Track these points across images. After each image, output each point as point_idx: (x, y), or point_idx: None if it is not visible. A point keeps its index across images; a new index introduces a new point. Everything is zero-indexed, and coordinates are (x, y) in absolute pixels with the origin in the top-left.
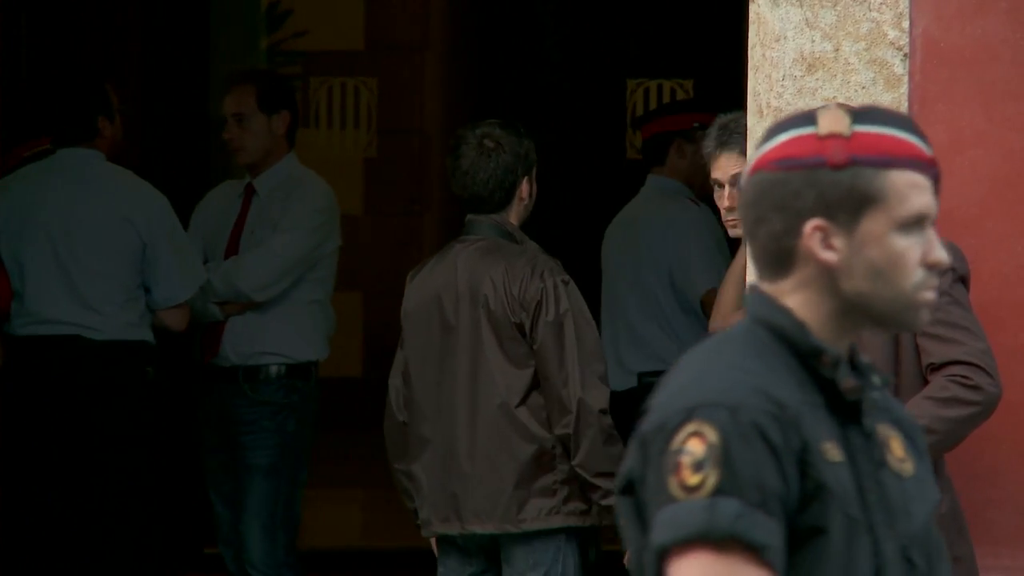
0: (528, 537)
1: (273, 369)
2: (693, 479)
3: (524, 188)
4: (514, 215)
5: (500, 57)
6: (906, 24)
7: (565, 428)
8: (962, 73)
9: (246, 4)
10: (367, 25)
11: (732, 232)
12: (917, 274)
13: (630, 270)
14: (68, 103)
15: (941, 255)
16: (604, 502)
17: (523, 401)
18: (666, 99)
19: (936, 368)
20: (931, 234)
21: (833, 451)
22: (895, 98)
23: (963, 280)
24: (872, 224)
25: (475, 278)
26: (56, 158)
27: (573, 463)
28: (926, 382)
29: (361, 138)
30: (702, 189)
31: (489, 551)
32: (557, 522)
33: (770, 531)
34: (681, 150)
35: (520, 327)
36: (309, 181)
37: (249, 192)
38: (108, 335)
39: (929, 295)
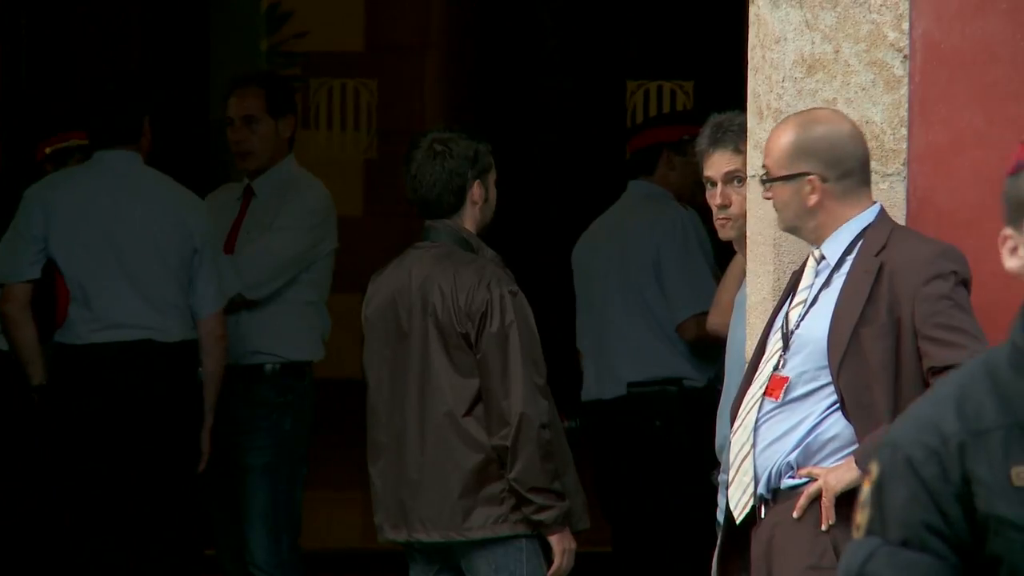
0: (487, 543)
1: (268, 368)
2: (859, 518)
3: (476, 191)
4: (468, 219)
5: (500, 58)
6: (906, 26)
7: (503, 440)
8: (962, 74)
9: (246, 5)
10: (367, 26)
11: (722, 233)
12: None
13: (617, 275)
14: (117, 103)
15: None
16: (536, 517)
17: (470, 410)
18: (666, 101)
19: (937, 372)
20: None
21: None
22: (895, 100)
23: (965, 283)
24: None
25: (426, 286)
26: (97, 161)
27: (509, 476)
28: (927, 385)
29: (361, 139)
30: (692, 201)
31: (447, 557)
32: (504, 530)
33: (913, 568)
34: (670, 161)
35: (466, 337)
36: (305, 182)
37: (248, 194)
38: (175, 336)
39: None
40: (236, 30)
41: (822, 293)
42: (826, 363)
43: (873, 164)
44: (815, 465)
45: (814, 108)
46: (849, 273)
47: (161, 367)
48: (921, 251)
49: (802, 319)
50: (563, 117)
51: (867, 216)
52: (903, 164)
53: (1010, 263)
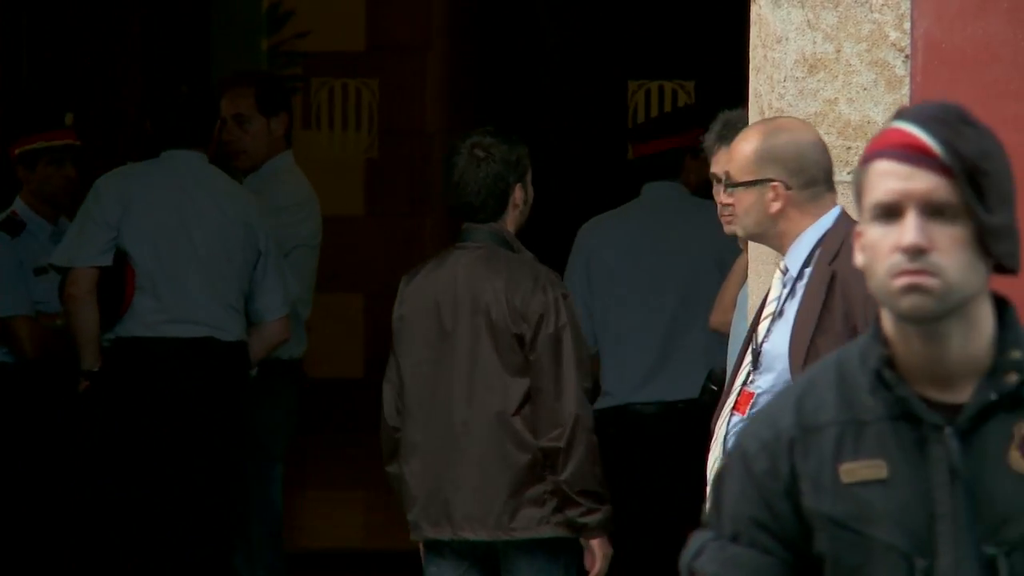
0: (530, 544)
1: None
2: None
3: (518, 195)
4: (510, 222)
5: (501, 58)
6: (907, 25)
7: (553, 441)
8: (963, 74)
9: (247, 5)
10: (368, 26)
11: (727, 228)
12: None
13: (686, 283)
14: (193, 106)
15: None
16: (581, 520)
17: (519, 410)
18: (667, 101)
19: None
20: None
21: (864, 471)
22: (897, 99)
23: None
24: None
25: (476, 287)
26: (167, 159)
27: (559, 478)
28: None
29: (362, 139)
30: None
31: (482, 557)
32: (546, 532)
33: (738, 562)
34: (687, 165)
35: (519, 338)
36: (280, 178)
37: None
38: (233, 336)
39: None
40: (237, 30)
41: (787, 305)
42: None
43: None
44: None
45: (778, 117)
46: (807, 284)
47: (220, 366)
48: None
49: (768, 333)
50: (564, 117)
51: (825, 222)
52: None
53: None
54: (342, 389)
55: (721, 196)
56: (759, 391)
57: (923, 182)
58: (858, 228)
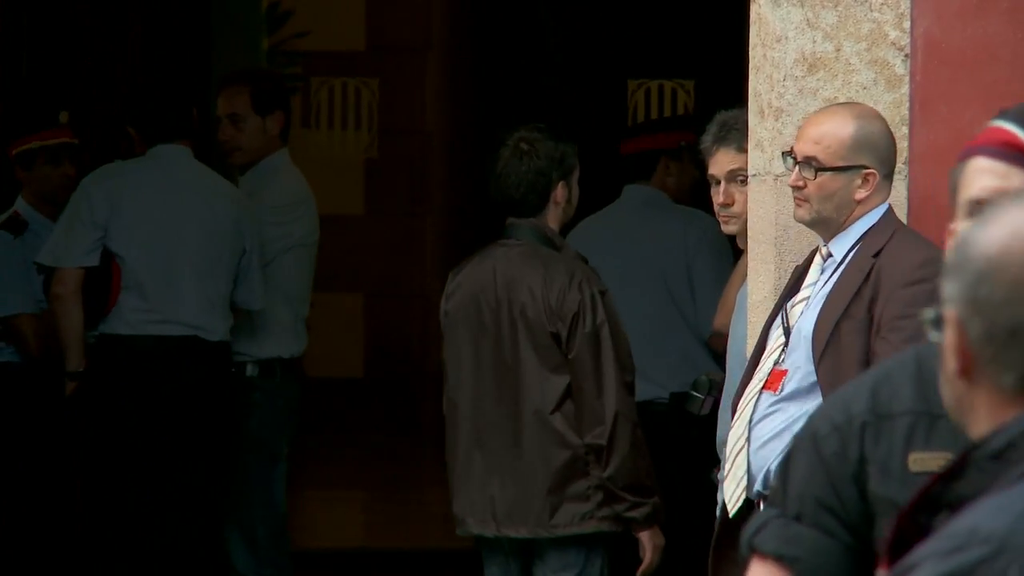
0: (566, 539)
1: (248, 368)
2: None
3: (560, 192)
4: (552, 219)
5: (501, 58)
6: (907, 24)
7: (597, 438)
8: (963, 74)
9: (246, 4)
10: (368, 26)
11: (725, 228)
12: None
13: (644, 282)
14: (167, 98)
15: None
16: (628, 514)
17: (558, 408)
18: (667, 100)
19: None
20: None
21: (933, 461)
22: (896, 99)
23: None
24: None
25: (513, 284)
26: (154, 155)
27: (603, 475)
28: None
29: (362, 139)
30: (688, 204)
31: (527, 553)
32: (590, 527)
33: (799, 541)
34: (668, 168)
35: (556, 336)
36: (275, 177)
37: None
38: (217, 336)
39: None
40: (237, 29)
41: (824, 291)
42: None
43: None
44: None
45: (854, 103)
46: (843, 271)
47: (203, 365)
48: (912, 256)
49: (802, 315)
50: (564, 116)
51: (874, 216)
52: (904, 163)
53: None
54: (342, 389)
55: (719, 196)
56: (791, 369)
57: (1019, 180)
58: (951, 225)
